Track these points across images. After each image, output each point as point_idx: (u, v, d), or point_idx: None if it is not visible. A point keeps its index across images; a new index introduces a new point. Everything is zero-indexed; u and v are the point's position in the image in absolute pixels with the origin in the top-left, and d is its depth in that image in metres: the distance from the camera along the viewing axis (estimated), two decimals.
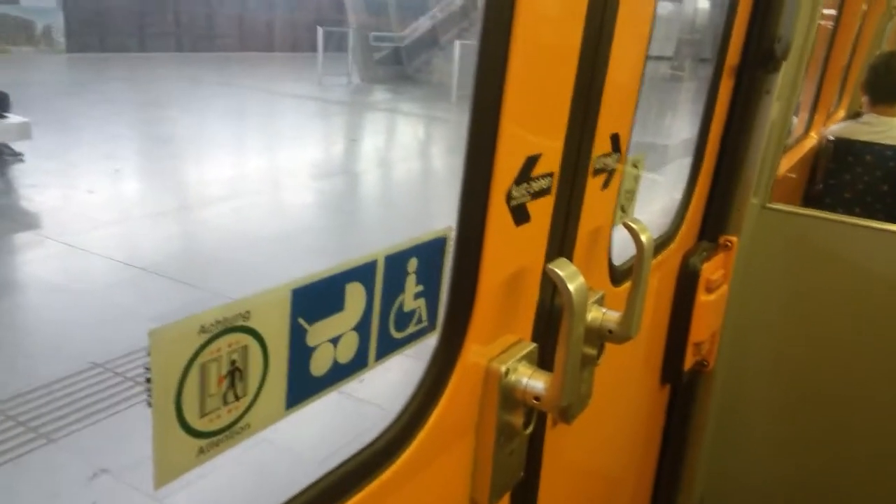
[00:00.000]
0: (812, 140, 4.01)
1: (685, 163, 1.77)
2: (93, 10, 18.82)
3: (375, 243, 0.72)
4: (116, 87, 14.80)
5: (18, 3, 16.87)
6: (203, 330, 0.54)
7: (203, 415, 0.57)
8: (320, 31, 17.36)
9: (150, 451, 0.53)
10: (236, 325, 0.57)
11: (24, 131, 7.90)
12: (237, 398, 0.59)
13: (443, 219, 0.83)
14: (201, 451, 0.57)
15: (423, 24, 18.54)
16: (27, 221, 6.48)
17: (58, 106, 11.75)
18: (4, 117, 7.83)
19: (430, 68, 18.19)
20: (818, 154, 3.80)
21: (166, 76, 17.24)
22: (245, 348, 0.59)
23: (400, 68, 18.53)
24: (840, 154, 3.54)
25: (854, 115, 4.22)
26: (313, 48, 17.89)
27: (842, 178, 3.54)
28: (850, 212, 3.51)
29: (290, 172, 9.38)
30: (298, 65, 20.11)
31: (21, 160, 8.04)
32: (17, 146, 8.04)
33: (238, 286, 4.58)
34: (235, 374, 0.58)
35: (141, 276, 5.25)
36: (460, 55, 15.04)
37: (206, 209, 7.23)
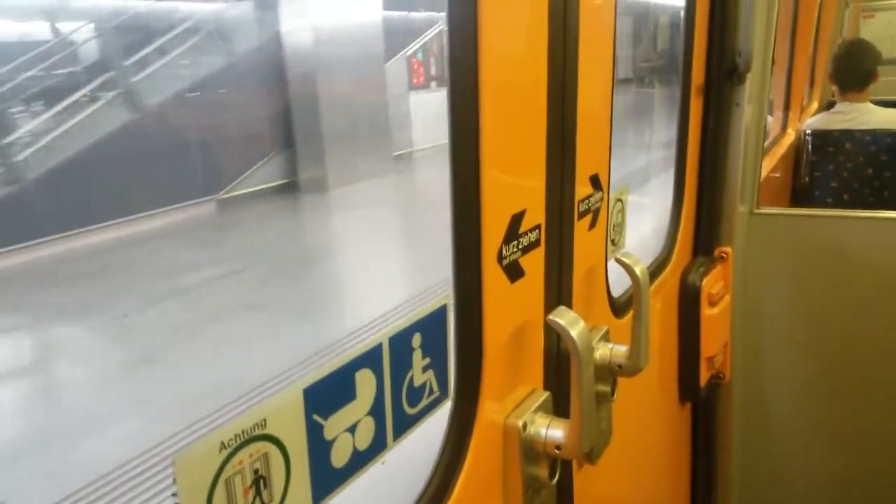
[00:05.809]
0: (790, 136, 4.05)
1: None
2: None
3: None
4: None
5: None
6: (224, 446, 0.55)
7: None
8: None
9: None
10: (255, 435, 0.58)
11: None
12: None
13: None
14: None
15: None
16: None
17: None
18: None
19: None
20: (798, 149, 3.85)
21: None
22: (266, 455, 0.60)
23: None
24: (819, 146, 3.58)
25: (828, 105, 4.28)
26: None
27: (825, 169, 3.58)
28: (839, 200, 3.55)
29: None
30: None
31: None
32: None
33: None
34: (260, 482, 0.59)
35: None
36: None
37: None
